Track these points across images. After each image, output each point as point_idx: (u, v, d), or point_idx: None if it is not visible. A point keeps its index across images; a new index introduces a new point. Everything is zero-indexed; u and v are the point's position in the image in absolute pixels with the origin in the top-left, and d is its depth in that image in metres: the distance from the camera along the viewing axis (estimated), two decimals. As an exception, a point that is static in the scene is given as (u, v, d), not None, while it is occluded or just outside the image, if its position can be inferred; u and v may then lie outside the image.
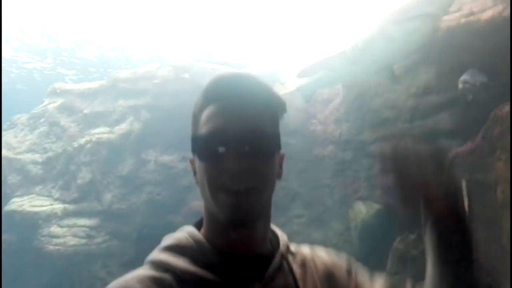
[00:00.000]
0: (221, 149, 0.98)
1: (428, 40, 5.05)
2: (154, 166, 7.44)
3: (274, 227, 1.22)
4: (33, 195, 8.01)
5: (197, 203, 7.59)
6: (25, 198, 7.93)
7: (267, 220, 1.13)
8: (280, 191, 8.19)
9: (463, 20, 5.03)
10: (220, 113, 1.02)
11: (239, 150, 0.97)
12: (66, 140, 8.22)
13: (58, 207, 7.62)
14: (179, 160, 7.60)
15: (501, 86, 5.16)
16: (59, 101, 8.78)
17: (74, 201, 7.65)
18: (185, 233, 1.10)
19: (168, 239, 1.10)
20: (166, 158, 7.54)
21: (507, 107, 3.68)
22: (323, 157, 8.06)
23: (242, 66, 8.56)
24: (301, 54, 7.67)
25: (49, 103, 8.94)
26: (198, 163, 1.05)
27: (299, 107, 8.59)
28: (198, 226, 1.14)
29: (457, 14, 5.13)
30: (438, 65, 6.10)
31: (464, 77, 5.18)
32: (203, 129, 1.04)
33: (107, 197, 7.40)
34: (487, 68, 5.25)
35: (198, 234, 1.09)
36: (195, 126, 1.09)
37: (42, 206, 7.75)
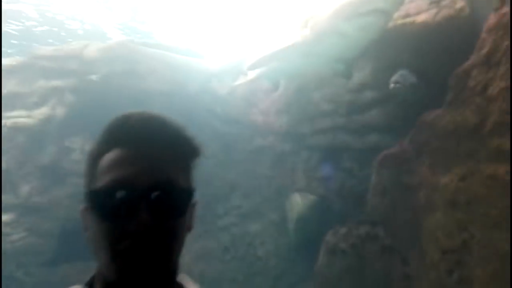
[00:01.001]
0: (124, 207, 0.84)
1: (377, 36, 5.03)
2: (80, 155, 6.80)
3: (187, 283, 1.05)
4: None
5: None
6: None
7: (173, 279, 0.98)
8: (219, 181, 8.03)
9: (399, 22, 5.11)
10: (124, 163, 0.88)
11: (144, 208, 0.84)
12: (-25, 124, 7.20)
13: (-34, 200, 6.70)
14: (110, 149, 7.03)
15: (431, 87, 5.42)
16: (-34, 78, 7.62)
17: (-15, 194, 6.77)
18: None
19: None
20: (90, 145, 6.92)
21: (434, 113, 3.80)
22: (263, 148, 8.00)
23: (185, 52, 8.07)
24: (258, 43, 7.47)
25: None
26: (93, 218, 0.88)
27: (243, 97, 8.42)
28: (90, 284, 0.96)
29: (394, 15, 5.19)
30: (374, 62, 6.22)
31: (395, 77, 5.32)
32: (103, 179, 0.88)
33: (25, 189, 6.65)
34: (420, 69, 5.45)
35: None
36: (92, 171, 0.92)
37: None
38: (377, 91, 6.31)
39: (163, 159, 0.90)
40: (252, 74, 6.96)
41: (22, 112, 7.02)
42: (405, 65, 5.53)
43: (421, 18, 5.00)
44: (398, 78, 5.38)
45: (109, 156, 0.91)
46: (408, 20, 5.12)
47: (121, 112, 0.96)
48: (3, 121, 6.91)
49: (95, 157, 0.94)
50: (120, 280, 0.84)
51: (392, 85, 5.54)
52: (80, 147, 6.86)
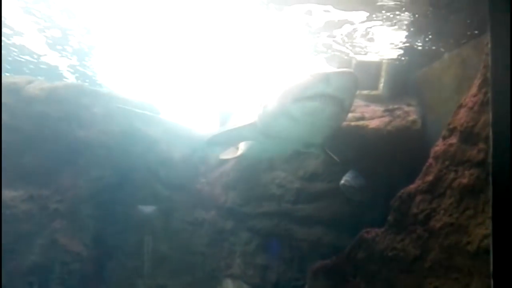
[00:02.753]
0: None
1: (334, 125, 4.43)
2: (-11, 202, 5.86)
3: None
4: None
5: (35, 259, 6.12)
6: None
7: None
8: (147, 252, 7.17)
9: (353, 123, 5.07)
10: None
11: None
12: None
13: None
14: (24, 199, 6.14)
15: (375, 189, 5.30)
16: None
17: None
18: None
19: None
20: (6, 194, 6.01)
21: (374, 232, 3.53)
22: (203, 222, 7.40)
23: (139, 105, 7.66)
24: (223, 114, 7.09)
25: None
26: None
27: (193, 163, 7.93)
28: None
29: (349, 115, 5.17)
30: (327, 154, 6.12)
31: (346, 177, 5.19)
32: None
33: None
34: (369, 172, 5.35)
35: None
36: None
37: None
38: (326, 183, 6.13)
39: None
40: (236, 150, 6.39)
41: None
42: (356, 164, 5.45)
43: (374, 123, 4.99)
44: (349, 178, 5.27)
45: None
46: (361, 123, 5.10)
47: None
48: None
49: None
50: None
51: (342, 182, 5.41)
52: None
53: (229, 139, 5.56)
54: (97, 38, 7.62)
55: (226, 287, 6.52)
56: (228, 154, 6.82)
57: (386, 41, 5.31)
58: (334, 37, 5.59)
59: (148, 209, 7.45)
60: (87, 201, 6.54)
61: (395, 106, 5.35)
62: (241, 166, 7.15)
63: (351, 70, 4.30)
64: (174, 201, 7.61)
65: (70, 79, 8.60)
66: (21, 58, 8.32)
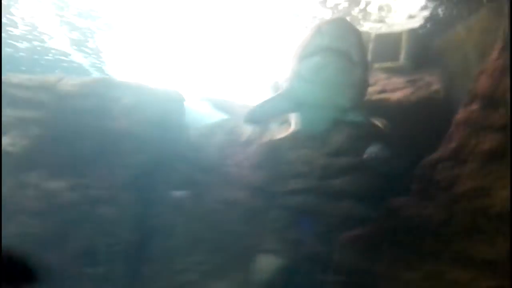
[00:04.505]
0: None
1: (350, 81, 3.88)
2: (35, 191, 6.36)
3: None
4: None
5: (83, 243, 6.66)
6: None
7: None
8: (182, 232, 7.60)
9: (375, 97, 5.11)
10: None
11: None
12: None
13: None
14: (69, 189, 6.63)
15: (400, 160, 5.37)
16: None
17: None
18: None
19: None
20: (52, 184, 6.51)
21: (400, 201, 3.66)
22: (234, 202, 7.70)
23: (164, 93, 7.94)
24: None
25: None
26: None
27: (219, 146, 8.21)
28: None
29: (370, 89, 5.21)
30: (350, 129, 6.19)
31: (370, 149, 5.29)
32: None
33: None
34: (390, 142, 5.42)
35: None
36: None
37: None
38: (351, 158, 6.23)
39: None
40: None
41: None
42: (379, 137, 5.51)
43: (396, 96, 5.02)
44: (372, 150, 5.36)
45: None
46: (383, 96, 5.14)
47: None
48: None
49: None
50: None
51: (366, 155, 5.51)
52: (36, 182, 6.45)
53: (265, 113, 5.15)
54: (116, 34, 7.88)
55: (260, 262, 6.84)
56: (281, 133, 6.61)
57: (405, 11, 5.25)
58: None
59: (180, 193, 7.82)
60: (123, 188, 6.98)
61: (417, 77, 5.33)
62: (266, 147, 7.34)
63: (343, 17, 3.83)
64: (204, 183, 7.94)
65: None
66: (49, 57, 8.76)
